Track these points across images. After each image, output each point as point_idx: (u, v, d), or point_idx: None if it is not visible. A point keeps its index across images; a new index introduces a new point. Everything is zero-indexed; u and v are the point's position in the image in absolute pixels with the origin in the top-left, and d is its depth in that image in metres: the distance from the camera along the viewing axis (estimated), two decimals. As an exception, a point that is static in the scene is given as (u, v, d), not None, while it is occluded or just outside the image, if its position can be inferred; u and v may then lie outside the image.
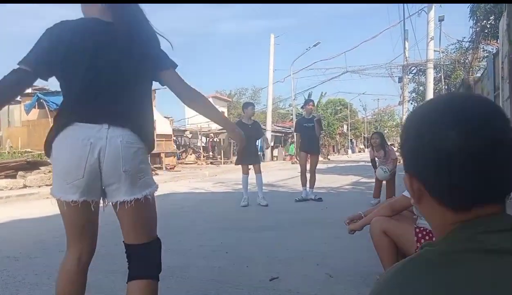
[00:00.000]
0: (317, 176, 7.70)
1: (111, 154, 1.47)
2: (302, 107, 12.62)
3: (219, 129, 30.37)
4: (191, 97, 1.70)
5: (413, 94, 25.56)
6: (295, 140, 8.00)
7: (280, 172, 14.06)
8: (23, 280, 2.99)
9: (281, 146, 30.66)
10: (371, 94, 64.97)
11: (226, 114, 41.44)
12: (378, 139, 6.69)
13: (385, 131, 60.41)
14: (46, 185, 9.16)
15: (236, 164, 7.14)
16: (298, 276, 2.96)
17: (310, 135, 7.22)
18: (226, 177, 14.24)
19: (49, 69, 1.56)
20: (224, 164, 22.11)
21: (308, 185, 7.30)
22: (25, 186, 8.93)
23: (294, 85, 29.37)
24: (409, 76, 24.34)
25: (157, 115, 18.48)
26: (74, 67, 1.52)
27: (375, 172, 6.78)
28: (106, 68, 1.54)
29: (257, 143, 7.63)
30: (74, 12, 1.68)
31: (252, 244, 4.02)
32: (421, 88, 24.54)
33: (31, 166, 10.07)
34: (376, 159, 6.82)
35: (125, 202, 1.51)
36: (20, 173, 9.57)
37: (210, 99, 39.40)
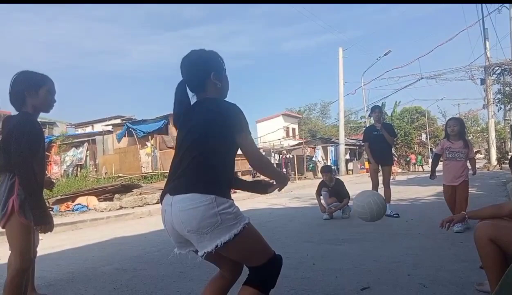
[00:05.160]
0: (398, 188, 7.44)
1: (175, 220, 1.70)
2: (369, 115, 11.66)
3: (291, 146, 30.58)
4: (257, 166, 1.89)
5: (499, 96, 23.56)
6: (365, 151, 7.18)
7: (356, 185, 13.77)
8: (135, 289, 3.35)
9: (356, 159, 29.93)
10: (450, 100, 61.00)
11: (297, 131, 41.68)
12: (457, 127, 5.22)
13: (470, 137, 56.03)
14: (139, 206, 9.99)
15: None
16: (389, 286, 2.96)
17: (380, 144, 6.62)
18: (301, 192, 14.29)
19: None
20: (298, 179, 22.15)
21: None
22: (121, 207, 9.84)
23: (366, 96, 28.74)
24: (492, 77, 22.56)
25: (232, 136, 19.20)
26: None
27: (431, 175, 5.66)
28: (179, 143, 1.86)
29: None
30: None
31: (339, 256, 4.06)
32: (507, 89, 22.57)
33: (125, 188, 11.09)
34: (447, 152, 5.25)
35: (199, 256, 1.73)
36: (116, 195, 10.58)
37: (280, 117, 39.99)
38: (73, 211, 9.72)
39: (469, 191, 5.28)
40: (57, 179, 14.39)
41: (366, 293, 2.85)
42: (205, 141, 1.73)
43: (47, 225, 2.33)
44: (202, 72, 1.86)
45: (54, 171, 16.46)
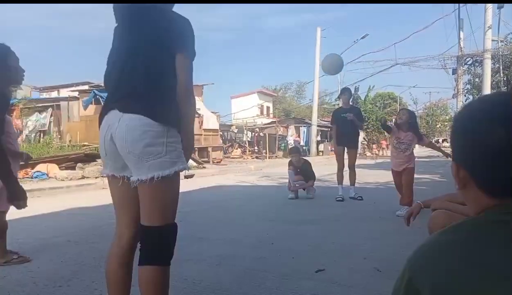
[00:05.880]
0: (365, 171, 7.52)
1: (119, 137, 1.58)
2: (338, 98, 11.65)
3: (264, 124, 30.51)
4: (181, 95, 1.65)
5: (468, 87, 24.16)
6: (332, 133, 7.11)
7: (326, 166, 13.91)
8: (82, 263, 3.20)
9: (327, 141, 30.27)
10: (423, 87, 62.25)
11: (271, 109, 41.60)
12: (405, 116, 5.30)
13: (438, 126, 57.72)
14: (102, 176, 9.67)
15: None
16: (344, 269, 2.94)
17: (348, 128, 6.52)
18: (271, 171, 14.31)
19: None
20: (269, 158, 22.20)
21: (343, 183, 6.67)
22: (83, 177, 9.50)
23: (341, 79, 28.84)
24: (464, 68, 23.06)
25: (204, 111, 18.90)
26: (108, 61, 1.76)
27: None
28: (120, 57, 1.68)
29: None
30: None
31: (298, 237, 4.03)
32: (477, 80, 23.17)
33: (89, 158, 10.71)
34: (395, 141, 5.34)
35: (132, 182, 1.59)
36: (79, 164, 10.22)
37: (255, 94, 39.77)
38: (32, 178, 9.33)
39: (432, 178, 5.40)
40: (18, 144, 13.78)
41: (321, 275, 2.81)
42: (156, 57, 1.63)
43: (22, 201, 2.18)
44: None
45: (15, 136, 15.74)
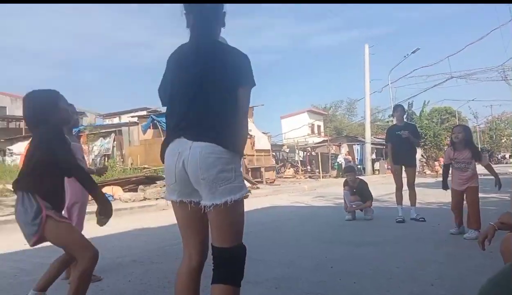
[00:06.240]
0: (426, 190, 7.17)
1: (192, 164, 1.66)
2: (391, 115, 11.15)
3: (316, 144, 30.26)
4: (240, 120, 1.78)
5: (536, 98, 22.42)
6: (388, 151, 6.92)
7: (383, 186, 13.45)
8: (148, 283, 3.34)
9: (383, 159, 29.32)
10: (482, 101, 58.33)
11: (322, 128, 41.24)
12: (462, 134, 5.02)
13: (503, 140, 53.96)
14: (162, 198, 10.08)
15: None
16: (410, 295, 2.82)
17: (403, 145, 6.26)
18: (325, 191, 14.11)
19: (164, 99, 1.90)
20: (322, 178, 21.90)
21: (403, 204, 6.36)
22: (144, 198, 9.96)
23: (393, 94, 28.01)
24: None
25: (255, 131, 19.16)
26: (172, 90, 1.83)
27: (443, 186, 5.43)
28: (190, 88, 1.76)
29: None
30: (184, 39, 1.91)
31: (357, 259, 3.92)
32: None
33: (149, 180, 11.24)
34: (453, 163, 5.10)
35: (206, 206, 1.67)
36: (140, 186, 10.73)
37: (305, 114, 39.69)
38: (98, 200, 9.93)
39: (501, 197, 5.05)
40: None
41: (385, 302, 2.71)
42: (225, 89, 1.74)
43: (108, 218, 2.36)
44: None
45: (82, 160, 16.91)
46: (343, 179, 7.23)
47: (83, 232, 3.36)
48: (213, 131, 1.68)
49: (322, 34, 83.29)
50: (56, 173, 2.36)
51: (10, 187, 11.00)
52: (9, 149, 20.13)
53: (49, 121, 2.40)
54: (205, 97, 1.72)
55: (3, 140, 21.62)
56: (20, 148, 19.12)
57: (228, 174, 1.66)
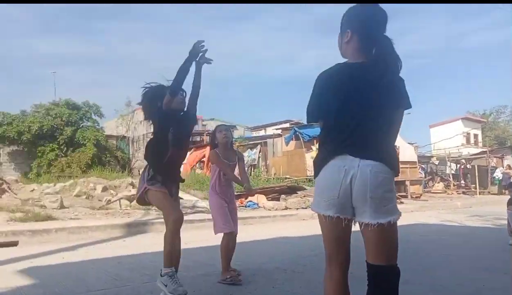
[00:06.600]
0: None
1: (360, 181, 1.70)
2: None
3: (472, 155, 26.87)
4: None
5: None
6: None
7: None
8: (292, 291, 3.49)
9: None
10: None
11: (480, 137, 36.42)
12: None
13: None
14: (302, 208, 10.37)
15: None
16: None
17: None
18: (483, 209, 12.45)
19: (324, 115, 1.91)
20: (479, 194, 19.33)
21: None
22: (286, 208, 10.39)
23: None
24: None
25: (401, 142, 18.07)
26: (339, 109, 1.84)
27: None
28: (359, 107, 1.81)
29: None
30: (330, 51, 1.97)
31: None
32: None
33: (291, 190, 11.69)
34: None
35: (369, 224, 1.72)
36: (282, 196, 11.25)
37: (459, 121, 35.62)
38: (245, 207, 10.75)
39: None
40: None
41: None
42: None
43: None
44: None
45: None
46: (507, 197, 6.31)
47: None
48: (380, 151, 1.76)
49: (477, 32, 73.53)
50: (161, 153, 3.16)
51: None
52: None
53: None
54: (374, 117, 1.79)
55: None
56: (182, 157, 22.04)
57: (391, 194, 1.75)
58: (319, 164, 1.86)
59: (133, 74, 62.92)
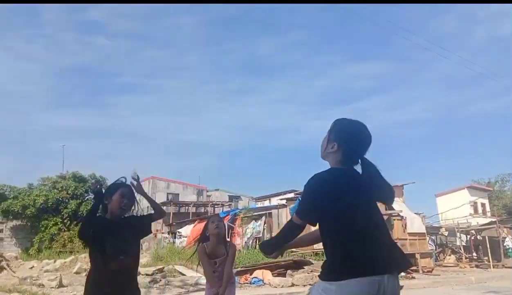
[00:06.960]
0: None
1: (389, 292, 1.85)
2: None
3: (481, 225, 26.23)
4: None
5: None
6: None
7: None
8: None
9: None
10: None
11: (487, 207, 35.85)
12: None
13: None
14: (309, 284, 9.98)
15: None
16: None
17: None
18: (498, 284, 11.93)
19: (316, 219, 2.04)
20: (493, 267, 18.60)
21: None
22: (292, 284, 10.01)
23: None
24: None
25: (407, 212, 17.80)
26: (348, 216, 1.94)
27: None
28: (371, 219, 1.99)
29: None
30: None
31: None
32: None
33: (297, 264, 11.32)
34: None
35: None
36: (288, 271, 10.88)
37: (465, 190, 35.29)
38: (250, 283, 10.37)
39: None
40: (239, 250, 15.77)
41: None
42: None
43: None
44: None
45: (237, 242, 18.16)
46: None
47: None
48: (402, 261, 2.00)
49: (477, 101, 75.49)
50: None
51: (178, 267, 12.43)
52: (178, 232, 22.91)
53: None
54: (384, 231, 2.04)
55: (175, 223, 24.82)
56: (187, 231, 21.65)
57: None
58: (351, 274, 1.84)
59: (142, 147, 64.34)
